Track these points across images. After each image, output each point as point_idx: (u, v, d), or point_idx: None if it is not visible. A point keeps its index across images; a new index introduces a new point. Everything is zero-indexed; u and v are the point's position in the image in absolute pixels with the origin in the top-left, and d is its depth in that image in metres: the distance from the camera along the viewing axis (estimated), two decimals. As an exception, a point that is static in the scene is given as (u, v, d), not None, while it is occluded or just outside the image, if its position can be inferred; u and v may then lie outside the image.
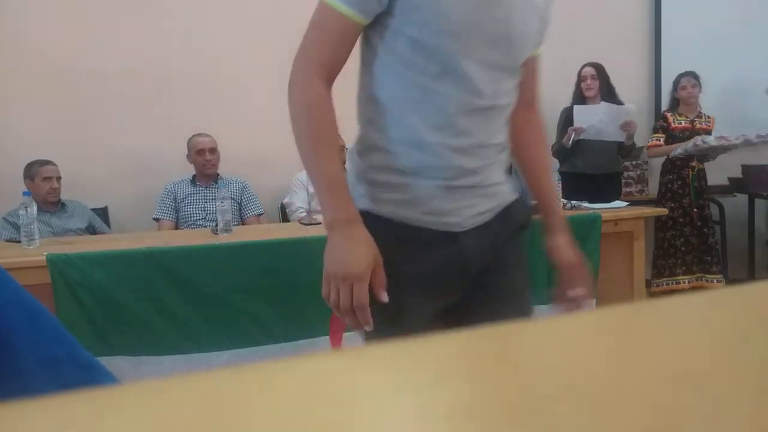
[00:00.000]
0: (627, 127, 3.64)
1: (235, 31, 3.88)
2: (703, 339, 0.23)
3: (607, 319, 0.28)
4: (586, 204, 3.21)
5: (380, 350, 0.24)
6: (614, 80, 3.93)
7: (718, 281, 3.86)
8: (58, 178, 3.25)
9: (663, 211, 3.49)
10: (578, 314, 0.28)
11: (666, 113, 3.95)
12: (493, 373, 0.22)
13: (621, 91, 3.95)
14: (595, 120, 3.67)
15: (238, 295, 2.34)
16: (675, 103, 3.97)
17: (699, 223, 3.85)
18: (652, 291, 3.92)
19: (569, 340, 0.25)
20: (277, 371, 0.22)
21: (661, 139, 3.91)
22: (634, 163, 4.31)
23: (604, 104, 3.71)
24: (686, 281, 3.87)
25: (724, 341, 0.22)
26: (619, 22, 4.44)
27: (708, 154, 3.80)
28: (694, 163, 3.83)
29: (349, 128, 1.37)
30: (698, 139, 3.71)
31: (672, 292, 3.89)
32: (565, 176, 3.19)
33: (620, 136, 3.69)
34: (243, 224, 3.51)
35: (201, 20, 3.77)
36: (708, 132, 3.90)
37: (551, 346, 0.24)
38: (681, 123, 3.90)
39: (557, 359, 0.23)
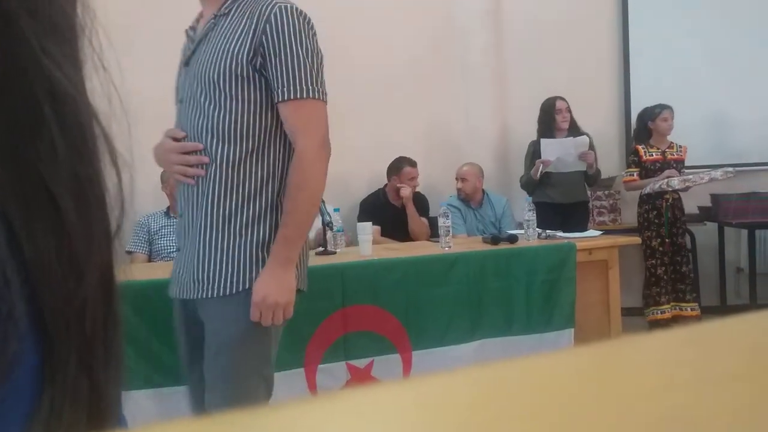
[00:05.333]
0: (584, 157, 3.72)
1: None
2: (690, 378, 0.23)
3: (586, 357, 0.27)
4: (560, 233, 3.24)
5: (359, 395, 0.23)
6: (585, 113, 4.02)
7: (692, 309, 3.92)
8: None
9: (635, 239, 3.54)
10: (558, 352, 0.27)
11: (637, 147, 4.03)
12: (475, 418, 0.21)
13: (591, 123, 4.04)
14: (561, 152, 3.74)
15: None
16: (646, 135, 4.05)
17: (670, 252, 3.92)
18: (648, 320, 3.96)
19: (550, 379, 0.24)
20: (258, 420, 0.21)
21: (635, 173, 4.00)
22: (606, 192, 4.38)
23: (566, 138, 3.80)
24: (668, 310, 3.93)
25: (712, 380, 0.22)
26: (588, 56, 4.56)
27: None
28: (668, 195, 3.92)
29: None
30: (664, 182, 3.81)
31: (658, 321, 3.94)
32: (537, 206, 3.23)
33: (581, 166, 3.77)
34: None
35: (173, 53, 3.76)
36: (680, 161, 3.99)
37: (530, 387, 0.23)
38: (652, 155, 3.99)
39: (535, 399, 0.22)
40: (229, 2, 1.41)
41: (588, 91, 4.38)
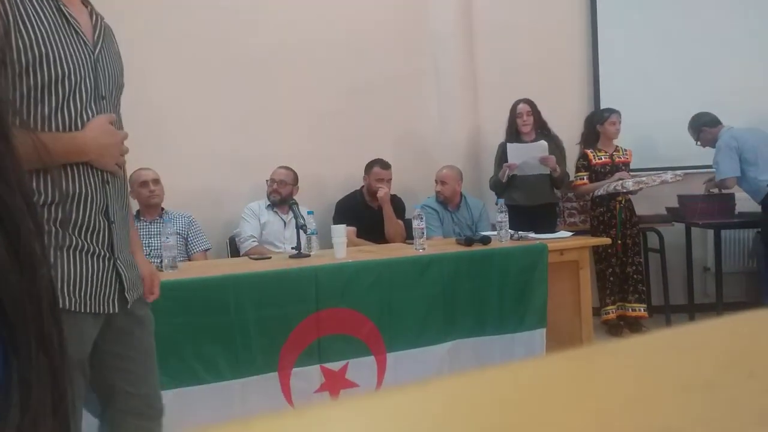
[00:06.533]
0: (544, 161, 3.75)
1: (179, 66, 3.83)
2: (664, 386, 0.23)
3: (562, 364, 0.27)
4: (532, 235, 3.27)
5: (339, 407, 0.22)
6: (555, 117, 4.06)
7: (642, 309, 3.99)
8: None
9: (606, 240, 3.59)
10: (531, 361, 0.27)
11: (586, 151, 4.07)
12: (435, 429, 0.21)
13: (561, 127, 4.08)
14: (527, 156, 3.77)
15: (183, 332, 2.26)
16: (594, 138, 4.10)
17: (621, 254, 3.98)
18: (601, 320, 4.02)
19: (525, 386, 0.24)
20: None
21: (585, 177, 4.05)
22: (576, 194, 4.44)
23: (528, 144, 3.83)
24: (613, 310, 3.99)
25: (686, 388, 0.22)
26: (558, 62, 4.61)
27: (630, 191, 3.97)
28: (620, 197, 3.98)
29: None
30: (618, 183, 3.87)
31: (607, 321, 4.00)
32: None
33: (545, 169, 3.80)
34: (189, 260, 3.42)
35: (143, 54, 3.70)
36: (626, 164, 4.06)
37: (505, 397, 0.23)
38: (601, 159, 4.05)
39: (509, 411, 0.22)
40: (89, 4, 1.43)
41: (558, 96, 4.43)
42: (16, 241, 0.32)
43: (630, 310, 4.00)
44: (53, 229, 1.26)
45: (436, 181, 3.90)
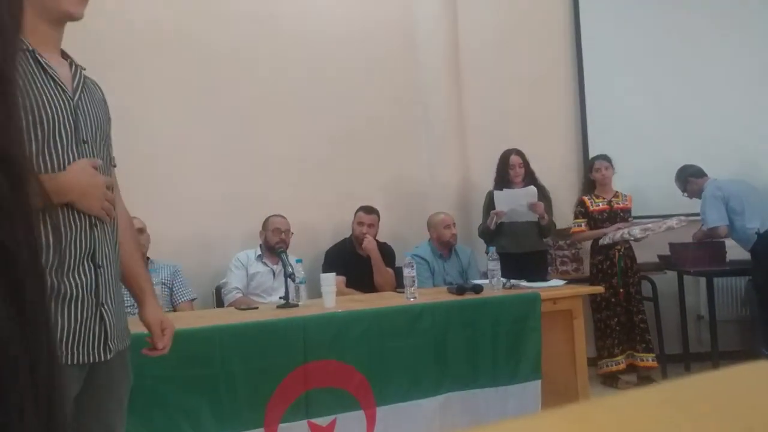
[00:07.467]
0: (533, 208, 3.74)
1: (167, 115, 3.85)
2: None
3: (557, 422, 0.24)
4: (524, 283, 3.23)
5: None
6: (542, 166, 4.08)
7: (650, 359, 3.91)
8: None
9: (599, 288, 3.55)
10: (524, 419, 0.24)
11: (583, 198, 4.09)
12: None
13: (549, 174, 4.10)
14: (513, 203, 3.76)
15: (167, 385, 2.19)
16: (590, 186, 4.14)
17: (624, 302, 3.94)
18: (599, 373, 3.94)
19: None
20: None
21: (583, 224, 4.05)
22: (568, 242, 4.43)
23: (516, 190, 3.83)
24: (622, 360, 3.91)
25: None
26: (546, 111, 4.68)
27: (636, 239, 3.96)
28: (620, 245, 3.96)
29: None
30: (625, 231, 3.87)
31: (613, 373, 3.91)
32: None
33: (533, 216, 3.79)
34: (174, 310, 3.35)
35: (135, 99, 3.71)
36: (627, 210, 4.07)
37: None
38: (599, 205, 4.06)
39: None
40: (65, 54, 1.44)
41: (545, 144, 4.48)
42: (22, 300, 0.30)
43: (639, 360, 3.91)
44: None
45: (446, 225, 3.85)
